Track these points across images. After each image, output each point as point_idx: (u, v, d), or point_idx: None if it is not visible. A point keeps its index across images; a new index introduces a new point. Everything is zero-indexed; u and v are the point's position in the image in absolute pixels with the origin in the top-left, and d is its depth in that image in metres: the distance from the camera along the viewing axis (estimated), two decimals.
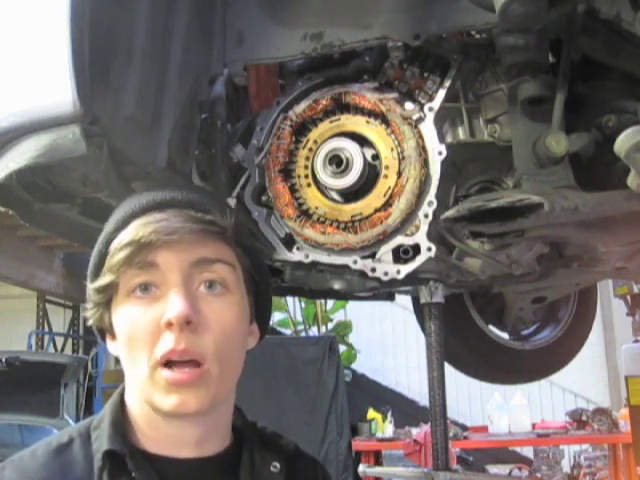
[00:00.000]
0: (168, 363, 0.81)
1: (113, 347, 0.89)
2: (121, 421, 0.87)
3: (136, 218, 0.85)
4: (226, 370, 0.84)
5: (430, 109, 1.49)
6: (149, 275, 0.83)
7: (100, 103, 1.15)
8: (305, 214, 1.51)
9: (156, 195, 0.87)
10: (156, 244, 0.82)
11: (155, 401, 0.82)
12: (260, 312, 0.94)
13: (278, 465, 0.91)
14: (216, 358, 0.82)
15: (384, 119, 1.49)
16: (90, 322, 0.90)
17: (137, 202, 0.87)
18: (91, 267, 0.88)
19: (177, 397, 0.81)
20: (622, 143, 1.11)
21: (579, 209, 1.30)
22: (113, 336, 0.88)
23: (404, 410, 7.21)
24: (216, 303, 0.84)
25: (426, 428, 5.01)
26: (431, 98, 1.50)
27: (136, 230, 0.82)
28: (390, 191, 1.45)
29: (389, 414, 5.94)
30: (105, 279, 0.84)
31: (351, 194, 1.50)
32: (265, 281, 0.95)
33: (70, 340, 9.03)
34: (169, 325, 0.80)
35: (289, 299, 7.36)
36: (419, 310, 2.20)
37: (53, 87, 1.10)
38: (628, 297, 5.25)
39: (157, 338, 0.81)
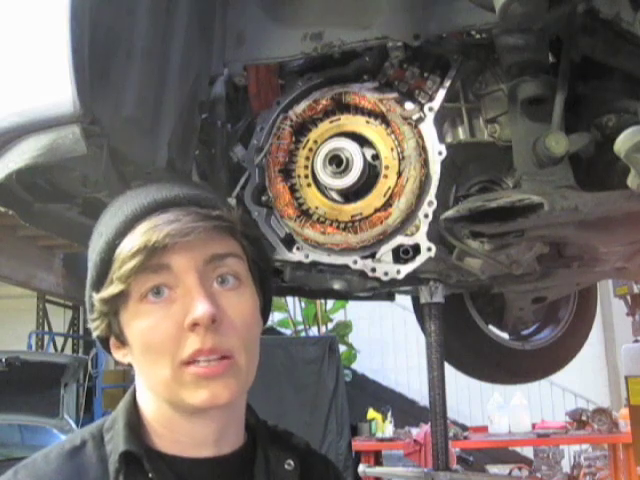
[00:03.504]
0: (193, 360, 0.80)
1: (121, 354, 0.87)
2: (136, 422, 0.87)
3: (140, 221, 0.81)
4: (251, 360, 0.85)
5: (430, 109, 1.49)
6: (161, 278, 0.81)
7: (100, 103, 1.15)
8: (305, 214, 1.51)
9: (157, 195, 0.84)
10: (169, 247, 0.79)
11: (184, 398, 0.81)
12: (264, 300, 0.93)
13: (292, 463, 0.91)
14: (242, 349, 0.82)
15: (384, 119, 1.49)
16: (96, 333, 0.87)
17: (137, 204, 0.83)
18: (93, 277, 0.84)
19: (208, 390, 0.80)
20: (622, 143, 1.11)
21: (579, 209, 1.30)
22: (122, 343, 0.86)
23: (404, 410, 7.21)
24: (233, 297, 0.83)
25: (426, 428, 5.01)
26: (431, 98, 1.50)
27: (147, 235, 0.79)
28: (390, 191, 1.45)
29: (389, 414, 5.94)
30: (114, 288, 0.81)
31: (351, 194, 1.50)
32: (268, 269, 0.95)
33: (70, 340, 9.03)
34: (194, 326, 0.79)
35: (289, 299, 7.36)
36: (419, 310, 2.20)
37: (53, 87, 1.10)
38: (628, 297, 5.25)
39: (180, 341, 0.79)
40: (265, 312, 0.94)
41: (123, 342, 0.86)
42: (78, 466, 0.83)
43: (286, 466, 0.91)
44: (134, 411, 0.88)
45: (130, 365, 0.88)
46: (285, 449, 0.93)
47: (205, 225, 0.81)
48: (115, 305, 0.83)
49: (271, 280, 0.97)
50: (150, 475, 0.81)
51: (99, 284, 0.83)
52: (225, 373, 0.80)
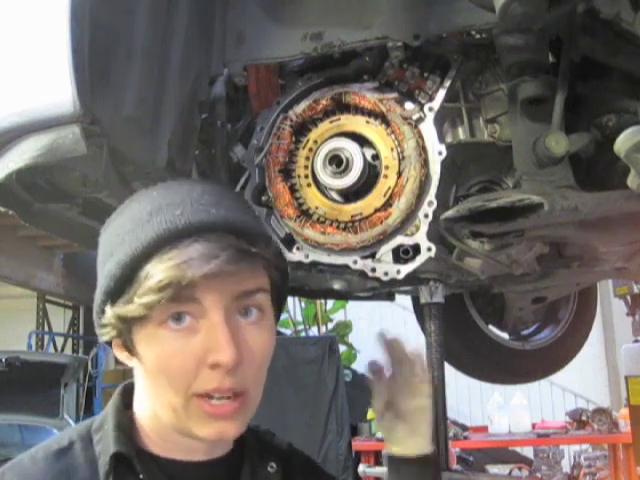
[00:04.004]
0: (207, 395, 0.78)
1: (124, 356, 0.86)
2: (127, 424, 0.86)
3: (171, 244, 0.76)
4: (260, 389, 0.84)
5: (430, 109, 1.49)
6: (187, 307, 0.78)
7: (100, 103, 1.15)
8: (305, 214, 1.51)
9: (192, 217, 0.78)
10: (201, 284, 0.76)
11: (192, 430, 0.80)
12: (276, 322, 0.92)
13: (275, 465, 0.92)
14: (255, 384, 0.82)
15: (384, 119, 1.49)
16: (104, 338, 0.84)
17: (171, 223, 0.77)
18: (110, 287, 0.80)
19: (217, 427, 0.79)
20: (622, 143, 1.11)
21: (579, 209, 1.30)
22: (130, 352, 0.84)
23: None
24: (255, 331, 0.81)
25: None
26: (431, 98, 1.50)
27: (179, 269, 0.74)
28: (390, 191, 1.45)
29: None
30: (135, 311, 0.77)
31: (351, 194, 1.50)
32: (286, 295, 0.93)
33: (70, 340, 9.03)
34: (215, 366, 0.77)
35: (289, 299, 7.35)
36: (419, 310, 2.20)
37: (53, 87, 1.10)
38: (628, 297, 5.25)
39: (197, 374, 0.78)
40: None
41: (132, 352, 0.84)
42: (66, 467, 0.82)
43: (269, 468, 0.91)
44: (124, 413, 0.87)
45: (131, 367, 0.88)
46: (268, 451, 0.94)
47: (242, 266, 0.77)
48: (131, 323, 0.80)
49: (286, 298, 0.95)
50: (141, 476, 0.81)
51: (115, 296, 0.80)
52: (235, 414, 0.79)
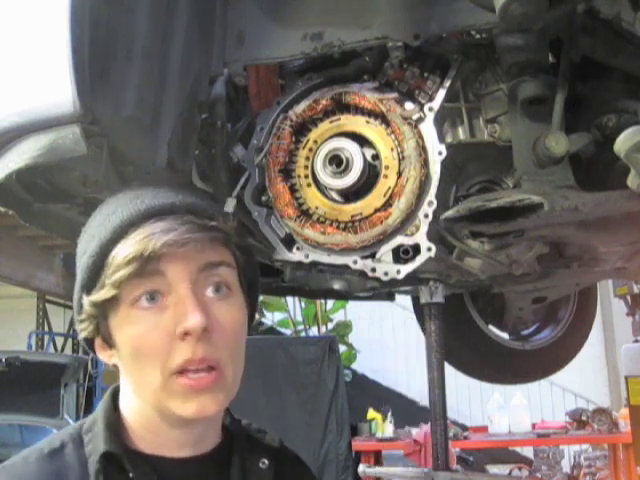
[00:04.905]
0: (183, 371, 0.80)
1: (107, 355, 0.88)
2: (116, 424, 0.87)
3: (135, 227, 0.82)
4: (237, 369, 0.86)
5: (430, 109, 1.49)
6: (154, 284, 0.81)
7: (100, 103, 1.15)
8: (305, 214, 1.51)
9: (153, 201, 0.85)
10: (164, 255, 0.80)
11: (172, 408, 0.81)
12: (250, 309, 0.94)
13: (267, 462, 0.93)
14: (230, 360, 0.83)
15: (384, 119, 1.49)
16: (83, 335, 0.87)
17: (133, 209, 0.84)
18: (84, 279, 0.84)
19: (197, 403, 0.81)
20: (622, 143, 1.11)
21: (579, 209, 1.30)
22: (109, 346, 0.86)
23: (404, 410, 7.21)
24: (224, 306, 0.84)
25: (426, 428, 5.01)
26: (431, 98, 1.50)
27: (143, 243, 0.79)
28: (390, 191, 1.45)
29: (389, 414, 5.93)
30: (106, 293, 0.81)
31: (351, 194, 1.50)
32: (256, 278, 0.96)
33: (70, 340, 9.03)
34: (185, 335, 0.79)
35: (289, 299, 7.37)
36: (419, 310, 2.20)
37: (53, 87, 1.10)
38: (628, 297, 5.26)
39: (170, 348, 0.80)
40: (250, 317, 0.95)
41: (110, 345, 0.86)
42: (58, 469, 0.83)
43: (260, 465, 0.92)
44: (114, 412, 0.89)
45: (115, 366, 0.89)
46: (259, 447, 0.95)
47: (201, 236, 0.82)
48: (105, 309, 0.83)
49: (258, 290, 0.98)
50: (131, 475, 0.82)
51: (90, 287, 0.84)
52: (213, 386, 0.81)
